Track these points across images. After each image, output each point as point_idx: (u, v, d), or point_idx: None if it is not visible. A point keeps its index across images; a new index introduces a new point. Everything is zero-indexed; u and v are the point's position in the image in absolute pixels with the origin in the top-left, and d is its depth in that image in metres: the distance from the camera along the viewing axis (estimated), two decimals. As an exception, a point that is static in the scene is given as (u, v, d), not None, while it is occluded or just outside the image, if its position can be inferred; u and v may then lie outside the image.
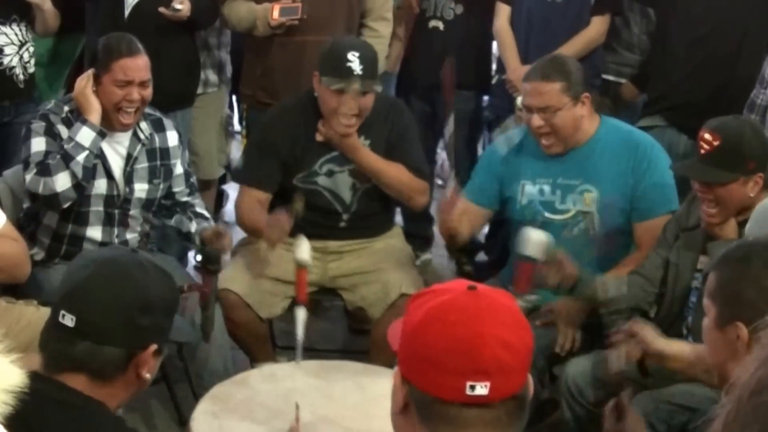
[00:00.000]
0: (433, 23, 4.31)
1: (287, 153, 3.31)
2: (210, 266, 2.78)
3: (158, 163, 3.21)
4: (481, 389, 1.29)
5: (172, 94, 3.79)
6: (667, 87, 3.76)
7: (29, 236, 3.16)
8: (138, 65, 3.02)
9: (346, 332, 4.07)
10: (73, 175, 2.96)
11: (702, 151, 2.62)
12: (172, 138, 3.26)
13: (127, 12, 3.71)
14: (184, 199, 3.30)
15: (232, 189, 4.96)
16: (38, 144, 3.02)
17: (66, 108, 3.09)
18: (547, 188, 3.16)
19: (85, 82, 3.04)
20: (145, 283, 1.75)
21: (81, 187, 3.00)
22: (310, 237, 3.39)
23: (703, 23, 3.64)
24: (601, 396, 2.66)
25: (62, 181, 2.96)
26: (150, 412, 3.39)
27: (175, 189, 3.28)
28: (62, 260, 3.13)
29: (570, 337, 3.01)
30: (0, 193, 3.18)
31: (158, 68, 3.39)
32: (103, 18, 3.75)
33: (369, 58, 3.18)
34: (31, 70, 3.72)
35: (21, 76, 3.65)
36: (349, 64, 3.11)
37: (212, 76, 4.12)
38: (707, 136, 2.61)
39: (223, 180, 4.80)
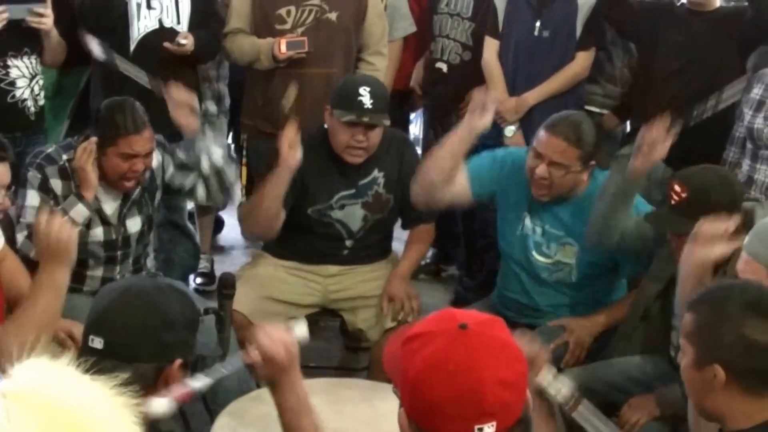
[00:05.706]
0: (438, 65, 4.39)
1: (302, 182, 3.42)
2: (225, 291, 2.90)
3: (144, 193, 3.27)
4: (489, 429, 1.40)
5: (175, 126, 3.92)
6: (645, 118, 3.93)
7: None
8: (144, 140, 3.05)
9: (343, 350, 4.20)
10: None
11: (672, 202, 2.75)
12: (155, 158, 3.25)
13: (132, 46, 3.81)
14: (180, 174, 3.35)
15: (228, 215, 5.11)
16: (32, 198, 3.07)
17: (65, 156, 3.10)
18: (539, 230, 3.28)
19: (86, 156, 3.02)
20: (166, 304, 1.93)
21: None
22: (310, 261, 3.57)
23: (679, 57, 3.80)
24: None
25: None
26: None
27: (176, 182, 3.35)
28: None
29: (577, 356, 3.15)
30: (13, 220, 3.28)
31: (161, 101, 3.53)
32: (109, 52, 3.83)
33: (379, 94, 3.34)
34: (41, 102, 3.79)
35: (32, 108, 3.71)
36: (360, 98, 3.28)
37: (212, 107, 4.24)
38: (677, 187, 2.73)
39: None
